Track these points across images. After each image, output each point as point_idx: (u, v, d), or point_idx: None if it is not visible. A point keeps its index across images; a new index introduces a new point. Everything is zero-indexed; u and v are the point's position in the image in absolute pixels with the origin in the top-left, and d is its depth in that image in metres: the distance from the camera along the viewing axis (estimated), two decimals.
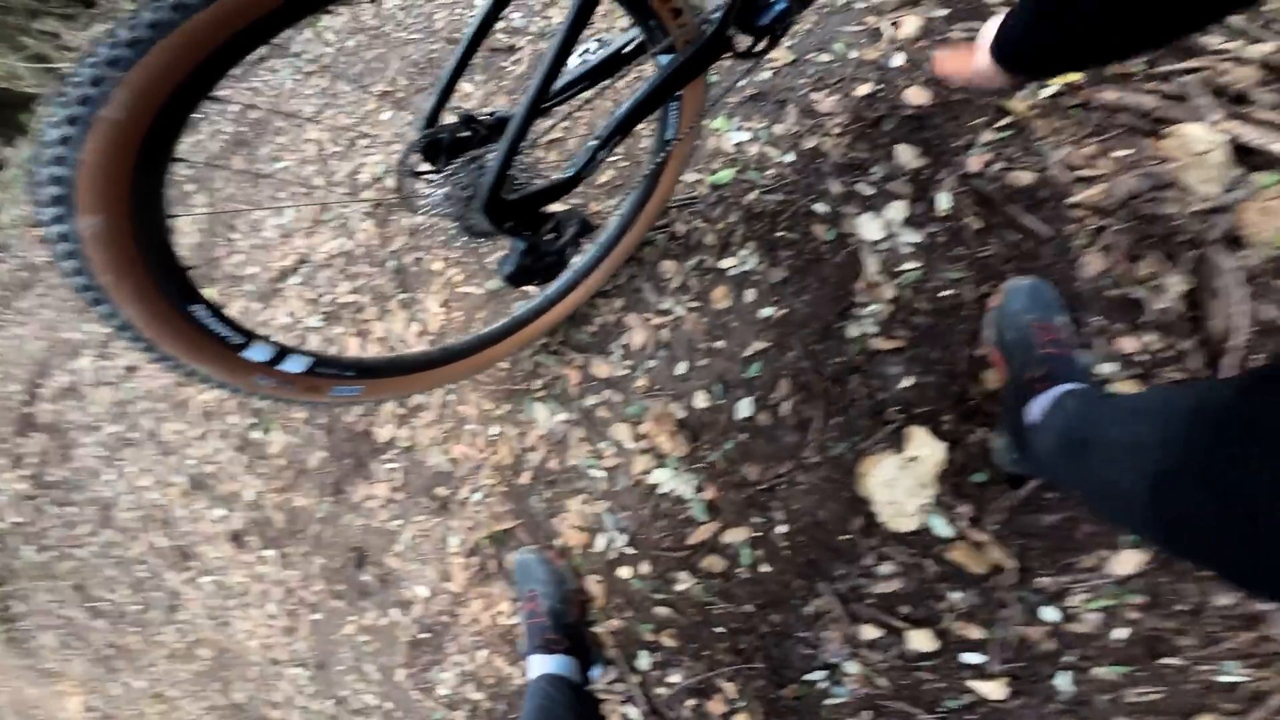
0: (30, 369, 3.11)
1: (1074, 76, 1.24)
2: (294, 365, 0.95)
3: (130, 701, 2.89)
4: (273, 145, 2.37)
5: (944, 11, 1.33)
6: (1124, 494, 0.70)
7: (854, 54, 1.39)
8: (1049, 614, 1.09)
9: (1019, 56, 0.87)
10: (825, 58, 1.41)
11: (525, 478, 1.53)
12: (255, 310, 2.07)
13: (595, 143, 1.05)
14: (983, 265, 1.20)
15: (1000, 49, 0.88)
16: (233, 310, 2.08)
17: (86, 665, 3.11)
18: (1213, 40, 1.19)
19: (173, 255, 0.77)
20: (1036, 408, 0.97)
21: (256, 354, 0.90)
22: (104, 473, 2.65)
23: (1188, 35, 1.16)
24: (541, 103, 0.92)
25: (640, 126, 1.54)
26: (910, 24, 1.35)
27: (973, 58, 0.96)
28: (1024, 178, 1.20)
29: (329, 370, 1.02)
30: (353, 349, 1.81)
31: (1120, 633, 1.04)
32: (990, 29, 0.92)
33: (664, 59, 1.07)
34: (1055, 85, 1.23)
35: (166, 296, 0.77)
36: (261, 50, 0.70)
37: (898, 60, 1.34)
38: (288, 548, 2.01)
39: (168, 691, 2.66)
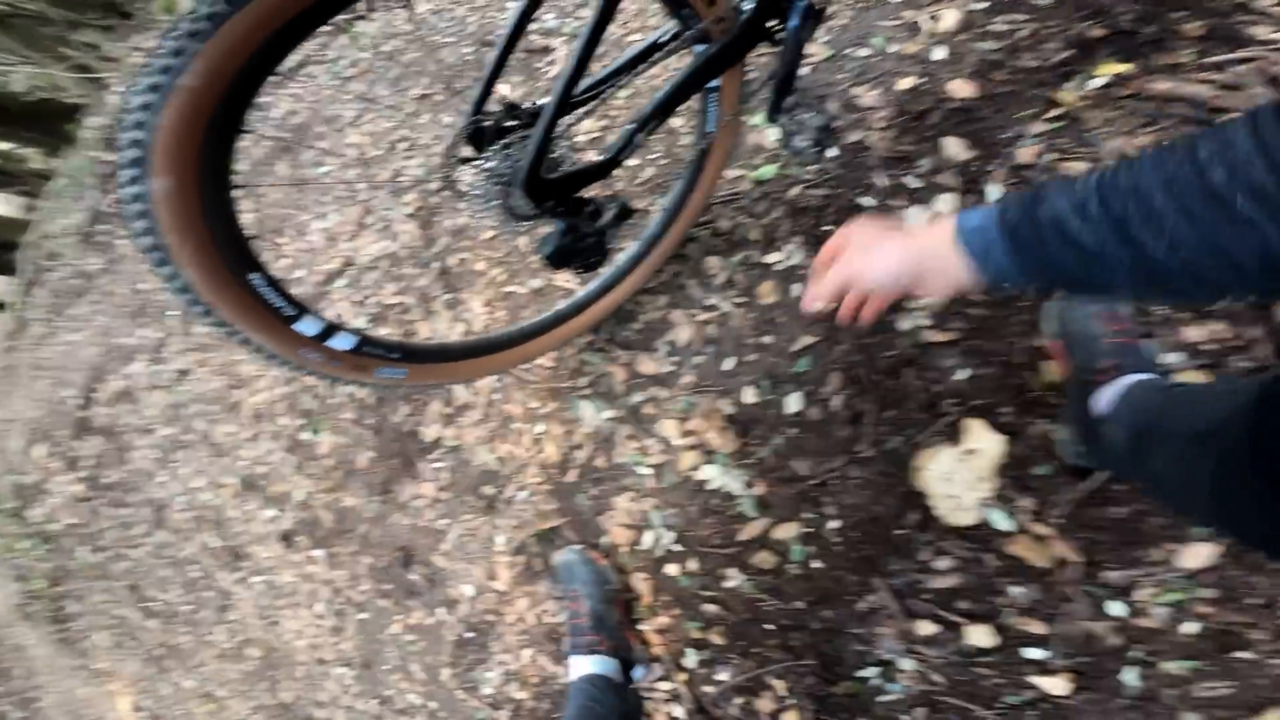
0: (85, 374, 3.22)
1: (1123, 67, 1.21)
2: (341, 343, 0.99)
3: (180, 701, 2.96)
4: (314, 151, 2.43)
5: (983, 4, 1.31)
6: (1189, 484, 0.69)
7: (894, 48, 1.38)
8: (1116, 608, 1.06)
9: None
10: (864, 52, 1.40)
11: (571, 475, 1.54)
12: None
13: (633, 126, 1.07)
14: None
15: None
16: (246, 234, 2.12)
17: (138, 665, 3.19)
18: (1261, 31, 1.16)
19: (235, 223, 0.82)
20: (1104, 399, 0.95)
21: (306, 327, 0.93)
22: (158, 474, 2.72)
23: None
24: (576, 81, 0.94)
25: (679, 123, 1.56)
26: (949, 17, 1.34)
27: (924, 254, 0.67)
28: (1078, 168, 1.18)
29: (375, 350, 1.05)
30: None
31: (1190, 627, 1.02)
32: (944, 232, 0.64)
33: (699, 48, 1.08)
34: (1104, 76, 1.21)
35: (226, 262, 0.81)
36: (322, 30, 0.74)
37: (939, 54, 1.33)
38: (336, 547, 2.04)
39: (217, 691, 2.71)
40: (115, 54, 4.42)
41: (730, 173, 1.46)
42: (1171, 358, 1.06)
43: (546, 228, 1.09)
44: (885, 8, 1.41)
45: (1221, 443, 0.65)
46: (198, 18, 0.66)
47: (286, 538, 2.20)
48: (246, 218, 2.53)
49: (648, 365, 1.45)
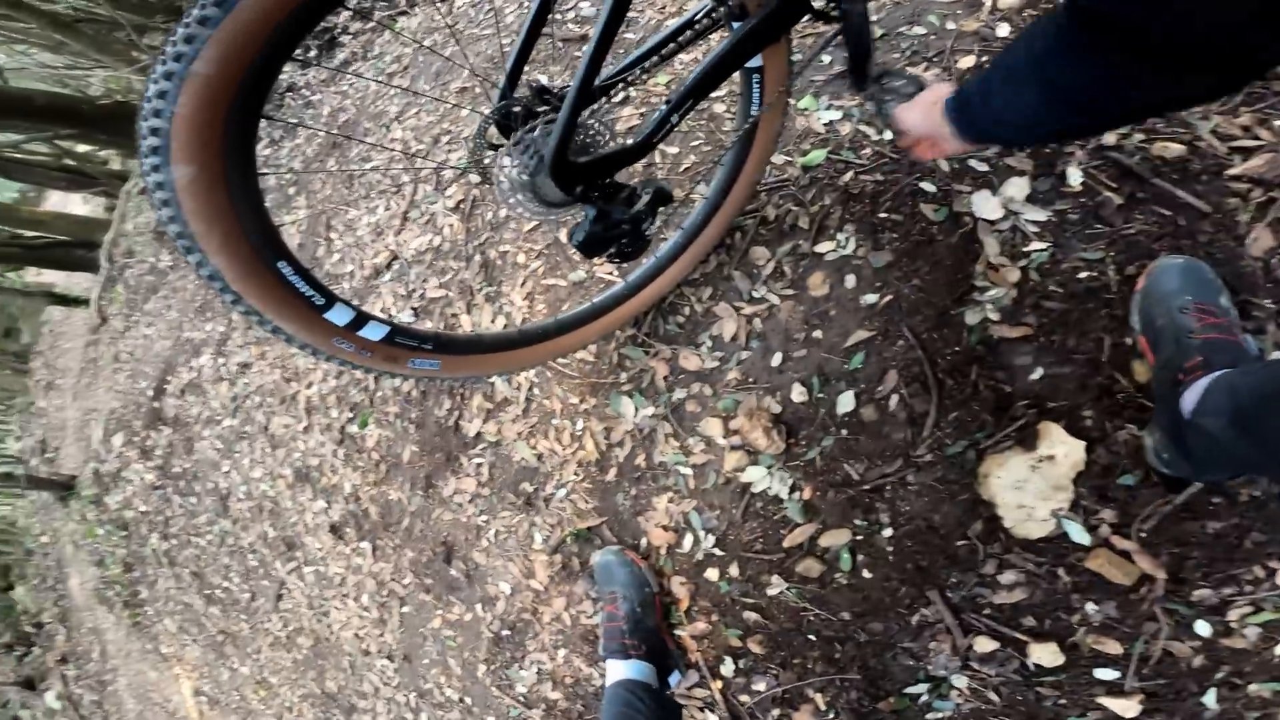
0: (158, 366, 3.36)
1: None
2: (373, 332, 0.98)
3: (236, 687, 3.04)
4: (361, 146, 2.46)
5: None
6: None
7: (951, 25, 1.31)
8: (1202, 628, 0.98)
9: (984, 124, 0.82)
10: (919, 30, 1.33)
11: (611, 474, 1.50)
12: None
13: (666, 107, 1.02)
14: (1127, 244, 1.10)
15: (966, 113, 0.83)
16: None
17: (200, 650, 3.30)
18: None
19: (262, 210, 0.81)
20: (1191, 397, 0.88)
21: (337, 316, 0.92)
22: (222, 464, 2.81)
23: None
24: (603, 57, 0.90)
25: (721, 108, 1.50)
26: None
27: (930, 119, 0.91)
28: (1172, 149, 1.10)
29: (407, 341, 1.04)
30: None
31: None
32: (941, 92, 0.88)
33: (736, 25, 1.03)
34: None
35: (254, 249, 0.81)
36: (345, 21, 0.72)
37: (1004, 30, 1.25)
38: (381, 540, 2.05)
39: (270, 679, 2.77)
40: None
41: (777, 159, 1.40)
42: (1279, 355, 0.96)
43: (579, 215, 1.05)
44: None
45: None
46: (207, 4, 0.66)
47: (335, 529, 2.23)
48: (299, 213, 2.59)
49: (691, 361, 1.40)
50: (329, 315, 0.92)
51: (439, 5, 2.43)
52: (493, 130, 0.97)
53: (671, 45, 1.05)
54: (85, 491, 4.47)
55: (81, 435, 4.84)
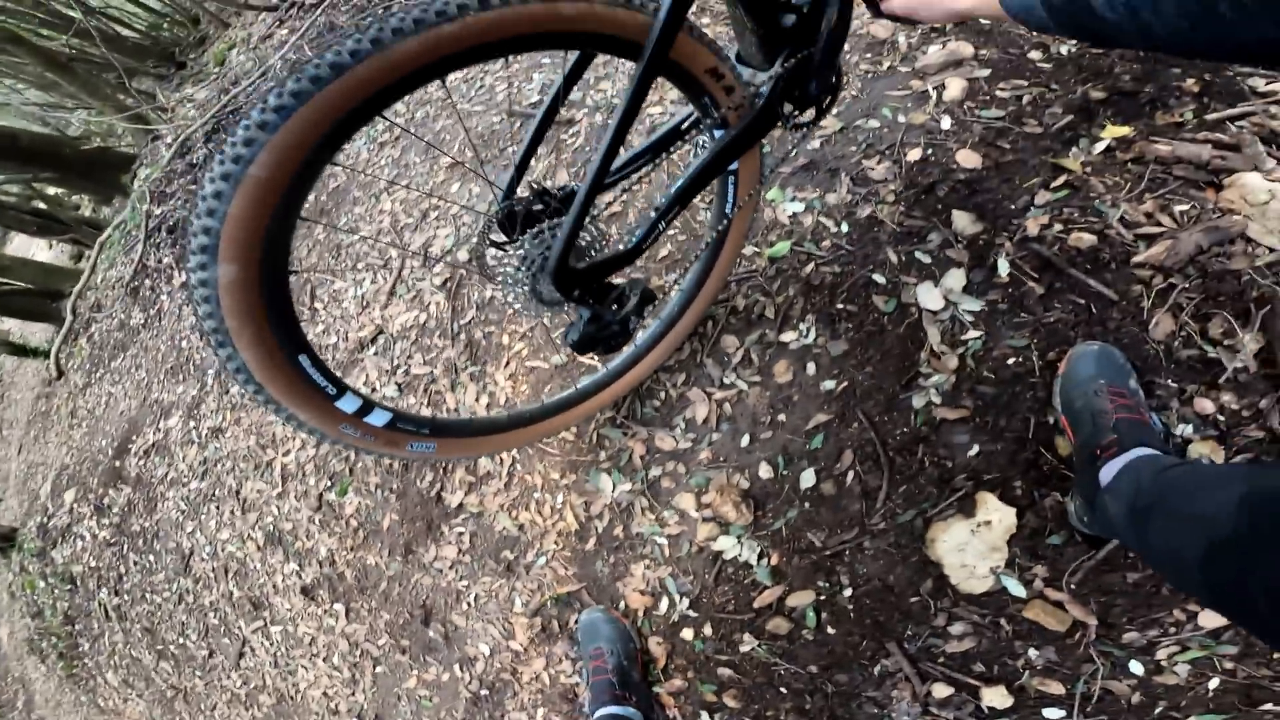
0: (121, 426, 3.15)
1: (1125, 130, 1.20)
2: (377, 419, 0.99)
3: None
4: (350, 215, 2.42)
5: (985, 72, 1.31)
6: (1181, 565, 0.72)
7: (902, 119, 1.38)
8: (1136, 667, 1.05)
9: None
10: (874, 124, 1.40)
11: (590, 544, 1.50)
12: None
13: (656, 214, 1.07)
14: (1048, 332, 1.18)
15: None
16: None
17: (145, 705, 3.06)
18: (1258, 83, 1.16)
19: (289, 307, 0.82)
20: (1108, 473, 0.96)
21: (346, 404, 0.94)
22: (186, 525, 2.65)
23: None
24: (604, 177, 0.94)
25: (698, 200, 1.56)
26: (955, 86, 1.34)
27: None
28: (1085, 239, 1.18)
29: (407, 427, 1.05)
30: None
31: (1213, 683, 1.00)
32: None
33: (718, 133, 1.09)
34: (1107, 140, 1.21)
35: (279, 345, 0.82)
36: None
37: (946, 123, 1.32)
38: (356, 602, 1.97)
39: None
40: (169, 104, 4.42)
41: (746, 250, 1.46)
42: (1185, 429, 1.05)
43: (571, 314, 1.08)
44: (895, 76, 1.40)
45: (1211, 531, 0.67)
46: (267, 108, 0.67)
47: (307, 591, 2.13)
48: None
49: (666, 441, 1.43)
50: (339, 403, 0.94)
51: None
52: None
53: (661, 152, 1.10)
54: (28, 544, 4.10)
55: (25, 488, 4.45)
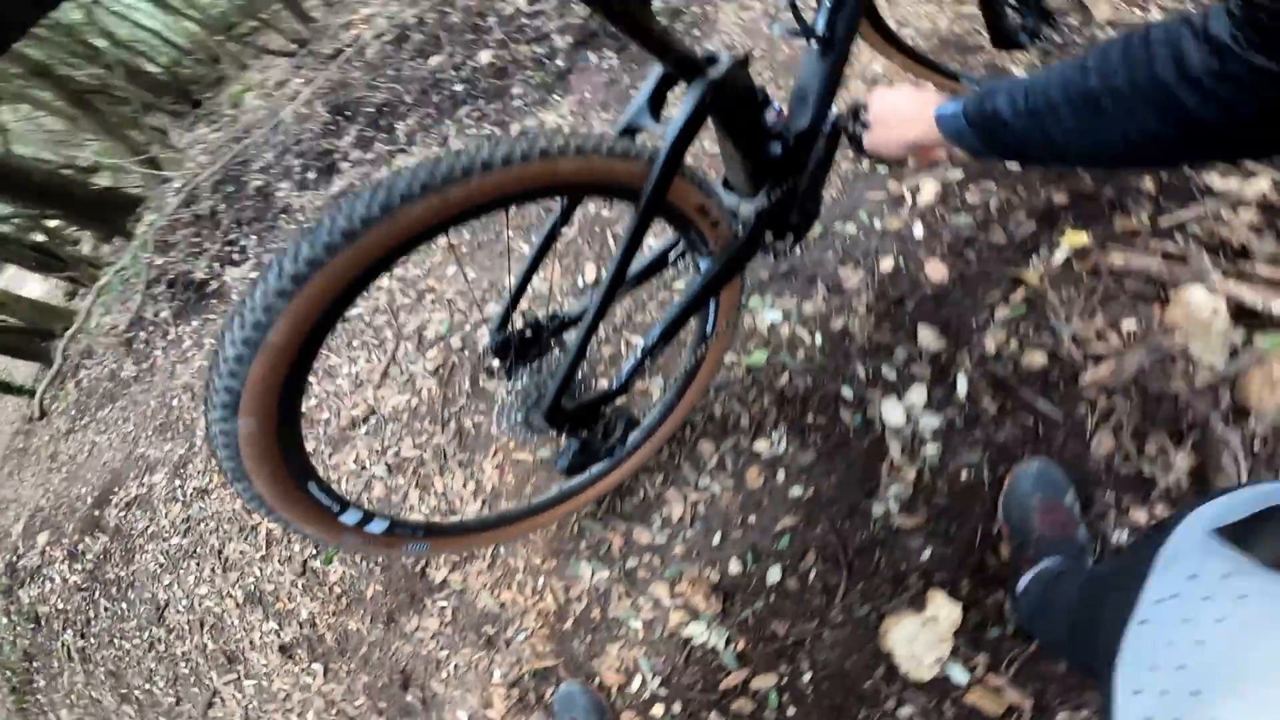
0: (103, 476, 3.07)
1: (1082, 238, 1.24)
2: (377, 528, 1.04)
3: None
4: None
5: (958, 174, 1.36)
6: (1059, 644, 0.83)
7: (878, 223, 1.40)
8: None
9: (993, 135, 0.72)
10: (851, 229, 1.43)
11: (568, 624, 1.53)
12: (327, 454, 2.10)
13: (641, 353, 1.11)
14: (998, 449, 1.25)
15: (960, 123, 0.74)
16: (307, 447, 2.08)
17: None
18: (1214, 180, 1.19)
19: (301, 446, 0.86)
20: (1021, 583, 1.06)
21: (349, 518, 0.98)
22: (164, 577, 2.59)
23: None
24: (601, 320, 0.97)
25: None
26: (929, 189, 1.39)
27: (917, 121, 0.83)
28: (1037, 359, 1.24)
29: (404, 531, 1.10)
30: (413, 500, 1.84)
31: None
32: (931, 97, 0.83)
33: (703, 262, 1.12)
34: (1065, 250, 1.25)
35: (292, 478, 0.86)
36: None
37: (919, 231, 1.35)
38: (336, 663, 1.95)
39: None
40: (180, 144, 4.33)
41: (725, 358, 1.51)
42: (1122, 537, 1.13)
43: (560, 441, 1.13)
44: (874, 177, 1.45)
45: (1070, 616, 0.78)
46: (284, 275, 0.68)
47: (285, 649, 2.10)
48: None
49: (643, 536, 1.48)
50: (342, 518, 0.98)
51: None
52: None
53: (646, 279, 1.15)
54: None
55: None
